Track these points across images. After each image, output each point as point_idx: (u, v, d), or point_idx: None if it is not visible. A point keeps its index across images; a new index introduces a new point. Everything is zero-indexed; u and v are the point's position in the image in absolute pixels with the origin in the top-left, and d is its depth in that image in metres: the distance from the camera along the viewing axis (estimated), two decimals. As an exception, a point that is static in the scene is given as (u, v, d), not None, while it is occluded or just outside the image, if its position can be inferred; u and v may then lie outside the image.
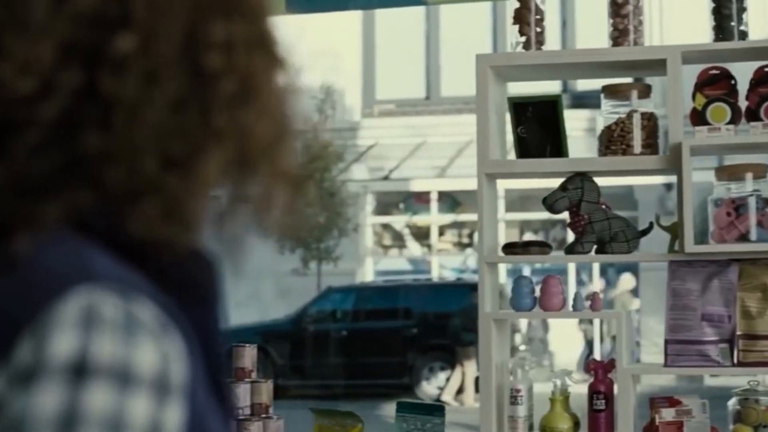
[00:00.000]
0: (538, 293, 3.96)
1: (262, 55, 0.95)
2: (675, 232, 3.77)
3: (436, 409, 4.15)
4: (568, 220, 3.91)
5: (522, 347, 17.16)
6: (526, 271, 15.38)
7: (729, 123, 3.74)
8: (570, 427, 3.87)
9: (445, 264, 22.09)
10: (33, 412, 0.77)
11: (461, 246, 22.02)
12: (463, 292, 15.68)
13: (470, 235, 21.19)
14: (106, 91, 0.88)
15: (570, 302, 3.93)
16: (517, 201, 19.71)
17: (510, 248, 4.03)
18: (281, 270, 18.81)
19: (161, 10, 0.90)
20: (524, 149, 3.98)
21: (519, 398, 3.91)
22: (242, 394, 4.06)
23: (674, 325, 3.75)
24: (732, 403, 3.79)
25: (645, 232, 3.93)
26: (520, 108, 3.97)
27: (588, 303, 3.93)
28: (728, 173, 3.81)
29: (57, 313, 0.80)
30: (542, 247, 4.06)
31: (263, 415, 4.27)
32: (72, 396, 0.77)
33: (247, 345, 4.10)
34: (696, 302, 3.72)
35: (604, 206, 3.88)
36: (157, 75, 0.89)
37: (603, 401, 3.83)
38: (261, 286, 18.61)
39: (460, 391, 16.23)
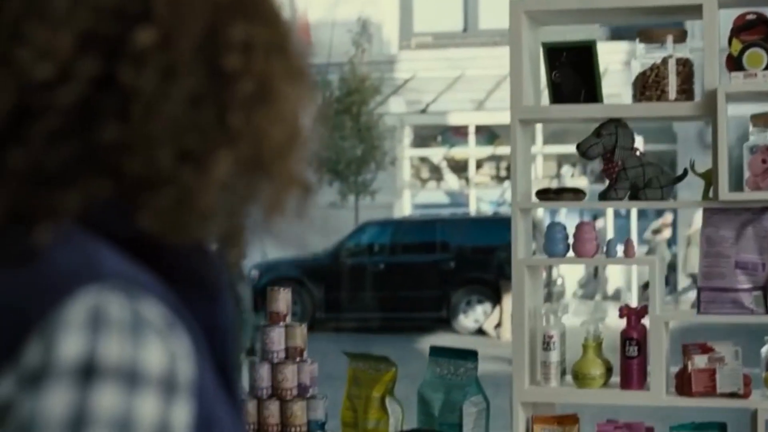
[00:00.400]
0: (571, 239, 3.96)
1: (280, 60, 0.96)
2: (709, 178, 3.74)
3: (469, 354, 4.17)
4: (602, 166, 3.89)
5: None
6: (564, 217, 15.38)
7: (765, 69, 3.69)
8: (602, 374, 3.89)
9: (483, 197, 22.07)
10: (42, 414, 0.78)
11: (499, 179, 21.98)
12: (501, 226, 15.68)
13: (508, 169, 21.12)
14: (124, 82, 0.88)
15: (603, 248, 3.93)
16: (555, 134, 19.61)
17: (543, 194, 4.02)
18: (319, 204, 18.85)
19: (182, 8, 0.90)
20: (558, 95, 3.95)
21: (552, 344, 3.92)
22: (277, 337, 4.09)
23: (708, 273, 3.74)
24: (765, 350, 3.78)
25: (679, 179, 3.90)
26: (554, 53, 3.94)
27: (621, 249, 3.92)
28: (764, 120, 3.77)
29: (65, 314, 0.81)
30: (576, 193, 4.05)
31: (298, 359, 4.32)
32: (80, 397, 0.79)
33: (282, 288, 4.12)
34: (730, 250, 3.70)
35: (638, 152, 3.86)
36: (175, 70, 0.89)
37: (635, 348, 3.83)
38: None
39: (499, 324, 16.30)
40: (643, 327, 3.84)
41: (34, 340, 0.80)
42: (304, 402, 4.27)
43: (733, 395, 3.73)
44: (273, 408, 4.26)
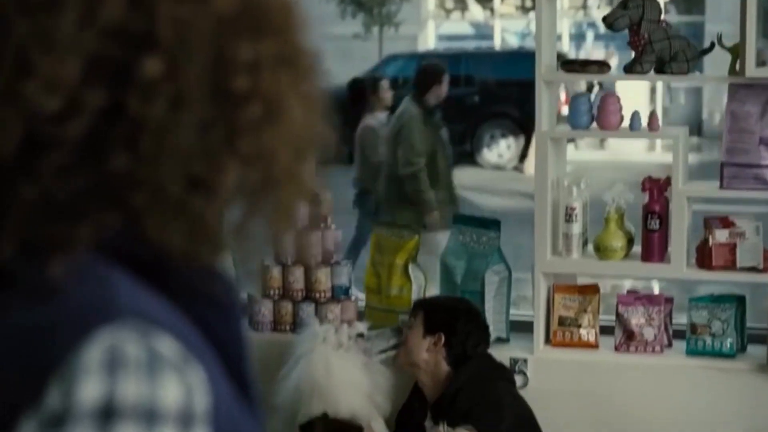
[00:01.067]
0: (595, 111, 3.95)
1: (288, 71, 0.94)
2: (736, 53, 3.70)
3: (492, 223, 4.21)
4: (629, 39, 3.85)
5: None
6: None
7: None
8: (623, 246, 3.92)
9: (508, 28, 21.80)
10: None
11: (524, 10, 21.66)
12: (526, 60, 15.52)
13: (534, -1, 20.80)
14: (133, 113, 0.88)
15: (627, 121, 3.92)
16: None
17: (569, 65, 3.99)
18: (342, 35, 18.69)
19: (187, 28, 0.89)
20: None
21: (574, 216, 3.94)
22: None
23: (732, 148, 3.74)
24: (786, 225, 3.80)
25: (705, 52, 3.86)
26: None
27: (645, 122, 3.91)
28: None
29: (82, 358, 0.83)
30: (601, 65, 4.01)
31: (322, 225, 4.37)
32: None
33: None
34: (755, 126, 3.69)
35: (665, 25, 3.80)
36: (183, 98, 0.89)
37: (657, 221, 3.85)
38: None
39: (523, 157, 16.29)
40: (665, 200, 3.86)
41: (55, 384, 0.82)
42: (328, 268, 4.34)
43: (752, 269, 3.77)
44: (298, 274, 4.33)
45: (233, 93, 0.91)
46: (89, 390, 0.81)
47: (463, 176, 11.81)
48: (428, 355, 3.78)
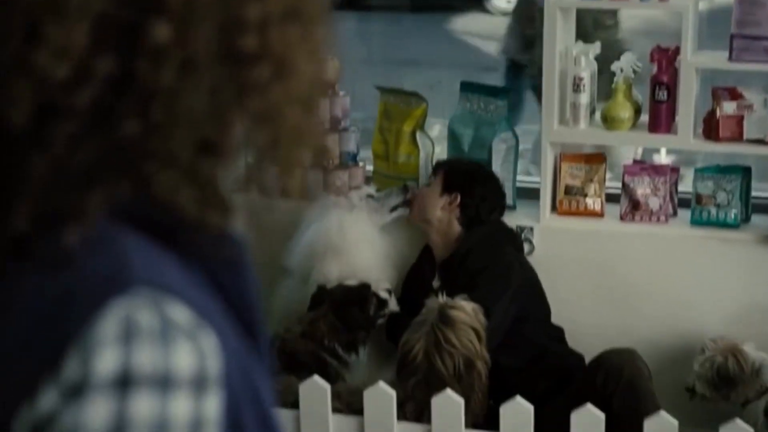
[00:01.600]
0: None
1: (296, 26, 0.94)
2: None
3: (500, 91, 4.20)
4: None
5: None
6: None
7: None
8: (630, 116, 3.92)
9: None
10: (85, 425, 0.84)
11: None
12: None
13: None
14: (143, 79, 0.88)
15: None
16: None
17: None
18: None
19: None
20: None
21: (582, 86, 3.93)
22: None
23: (742, 20, 3.70)
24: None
25: None
26: None
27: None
28: None
29: (98, 329, 0.85)
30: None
31: (330, 92, 4.35)
32: (119, 407, 0.84)
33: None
34: (766, -2, 3.65)
35: None
36: (193, 63, 0.89)
37: (665, 92, 3.84)
38: None
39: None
40: (674, 71, 3.84)
41: (72, 356, 0.85)
42: (336, 135, 4.35)
43: (759, 141, 3.77)
44: (306, 140, 4.33)
45: (243, 53, 0.91)
46: (106, 361, 0.85)
47: (470, 22, 11.68)
48: (442, 213, 3.87)
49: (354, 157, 4.40)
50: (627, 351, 3.51)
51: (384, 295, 3.85)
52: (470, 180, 3.90)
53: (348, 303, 3.78)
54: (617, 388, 3.41)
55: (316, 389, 3.16)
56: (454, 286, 3.57)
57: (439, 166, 4.01)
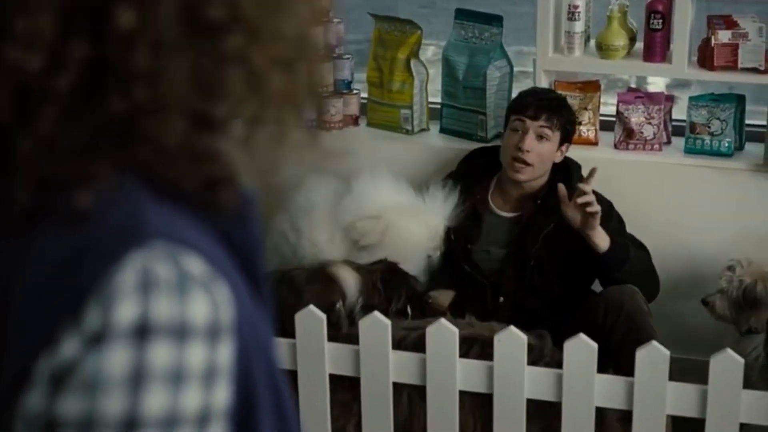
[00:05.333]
0: None
1: None
2: None
3: (494, 18, 4.19)
4: None
5: None
6: None
7: None
8: (625, 45, 3.91)
9: None
10: (105, 371, 0.88)
11: None
12: None
13: None
14: (117, 64, 0.90)
15: None
16: None
17: None
18: None
19: None
20: None
21: (576, 14, 3.92)
22: None
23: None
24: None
25: None
26: None
27: None
28: None
29: (117, 281, 0.89)
30: None
31: (324, 20, 4.33)
32: (138, 355, 0.88)
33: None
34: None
35: None
36: (163, 42, 0.90)
37: (660, 20, 3.84)
38: None
39: None
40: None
41: (92, 306, 0.88)
42: (330, 62, 4.34)
43: (753, 70, 3.77)
44: (300, 68, 4.32)
45: (212, 23, 0.92)
46: (125, 310, 0.88)
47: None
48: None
49: (348, 85, 4.41)
50: (628, 287, 3.53)
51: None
52: (573, 126, 3.83)
53: (400, 281, 3.72)
54: (617, 321, 3.44)
55: (312, 319, 3.19)
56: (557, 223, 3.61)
57: (552, 116, 3.71)
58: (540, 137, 3.69)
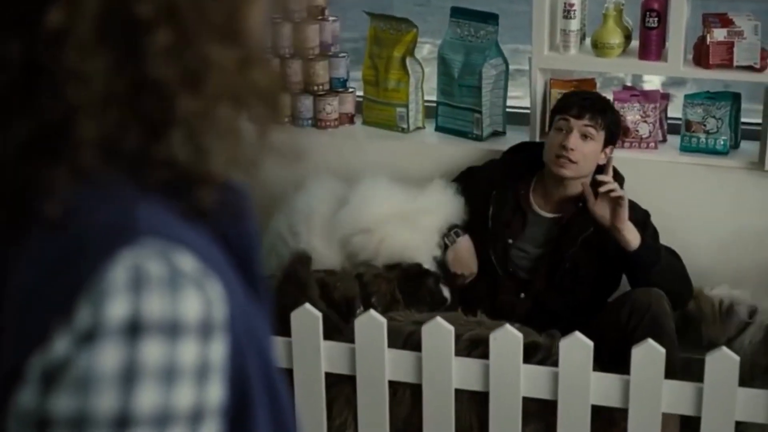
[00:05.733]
0: None
1: None
2: None
3: (490, 17, 4.18)
4: None
5: None
6: None
7: None
8: (621, 43, 3.91)
9: None
10: (97, 369, 0.87)
11: None
12: None
13: None
14: (48, 64, 0.90)
15: None
16: None
17: None
18: None
19: None
20: None
21: (572, 12, 3.92)
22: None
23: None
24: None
25: None
26: None
27: None
28: None
29: (109, 278, 0.88)
30: None
31: (319, 18, 4.34)
32: (130, 353, 0.88)
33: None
34: None
35: None
36: (91, 41, 0.90)
37: (656, 18, 3.83)
38: None
39: None
40: (665, -3, 3.82)
41: (84, 304, 0.88)
42: (326, 60, 4.34)
43: (749, 68, 3.77)
44: (295, 66, 4.33)
45: (140, 20, 0.91)
46: (117, 308, 0.88)
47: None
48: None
49: (344, 83, 4.40)
50: (656, 291, 3.52)
51: (446, 293, 3.79)
52: (618, 129, 3.81)
53: (419, 282, 3.70)
54: (641, 323, 3.44)
55: (308, 317, 3.19)
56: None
57: (596, 116, 3.68)
58: (584, 136, 3.67)
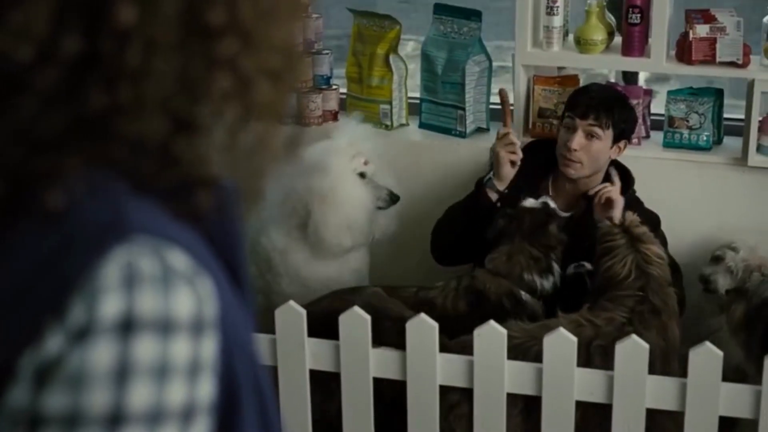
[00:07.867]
0: None
1: None
2: None
3: (473, 14, 4.19)
4: None
5: None
6: None
7: None
8: (604, 39, 3.92)
9: None
10: (90, 366, 0.87)
11: None
12: None
13: None
14: (109, 60, 0.90)
15: None
16: None
17: None
18: None
19: None
20: None
21: (555, 9, 3.93)
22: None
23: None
24: (767, 20, 3.79)
25: None
26: None
27: None
28: None
29: (101, 275, 0.89)
30: None
31: (304, 15, 4.33)
32: (122, 350, 0.88)
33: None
34: None
35: None
36: (159, 43, 0.90)
37: (638, 15, 3.84)
38: None
39: None
40: (647, -6, 3.83)
41: (77, 301, 0.88)
42: (309, 58, 4.33)
43: (731, 64, 3.78)
44: (279, 64, 4.31)
45: (210, 27, 0.92)
46: (109, 305, 0.88)
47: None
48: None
49: (327, 80, 4.40)
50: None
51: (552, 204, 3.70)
52: (631, 124, 3.79)
53: (539, 225, 3.63)
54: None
55: (292, 314, 3.19)
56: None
57: (602, 115, 3.65)
58: (590, 135, 3.66)
